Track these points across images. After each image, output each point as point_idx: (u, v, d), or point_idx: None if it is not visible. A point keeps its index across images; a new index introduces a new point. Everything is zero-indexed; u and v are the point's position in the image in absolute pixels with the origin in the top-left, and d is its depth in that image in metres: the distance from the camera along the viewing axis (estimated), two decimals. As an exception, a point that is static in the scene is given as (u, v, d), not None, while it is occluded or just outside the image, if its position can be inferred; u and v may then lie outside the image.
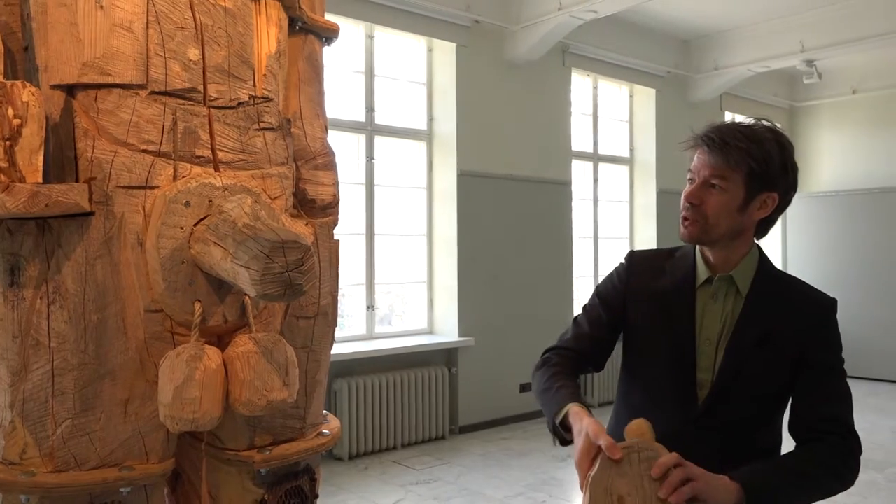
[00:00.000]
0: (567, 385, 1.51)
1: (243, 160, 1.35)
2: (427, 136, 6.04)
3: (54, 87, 1.24)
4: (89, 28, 1.24)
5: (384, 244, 5.72)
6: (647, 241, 7.44)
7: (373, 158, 5.70)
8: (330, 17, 1.72)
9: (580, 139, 7.12)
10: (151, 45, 1.26)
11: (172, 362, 1.19)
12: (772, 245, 9.29)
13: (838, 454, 1.44)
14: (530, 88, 6.36)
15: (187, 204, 1.25)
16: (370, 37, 5.69)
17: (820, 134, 9.21)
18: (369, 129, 5.68)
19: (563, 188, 6.63)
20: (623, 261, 1.72)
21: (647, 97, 7.65)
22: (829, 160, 9.15)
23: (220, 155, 1.32)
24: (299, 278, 1.11)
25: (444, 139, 5.98)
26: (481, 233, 5.96)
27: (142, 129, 1.25)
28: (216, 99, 1.32)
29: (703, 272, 1.59)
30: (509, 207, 6.13)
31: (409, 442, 5.51)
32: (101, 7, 1.24)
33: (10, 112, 1.14)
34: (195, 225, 1.25)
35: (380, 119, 5.75)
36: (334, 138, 1.71)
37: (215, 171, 1.31)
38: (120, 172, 1.23)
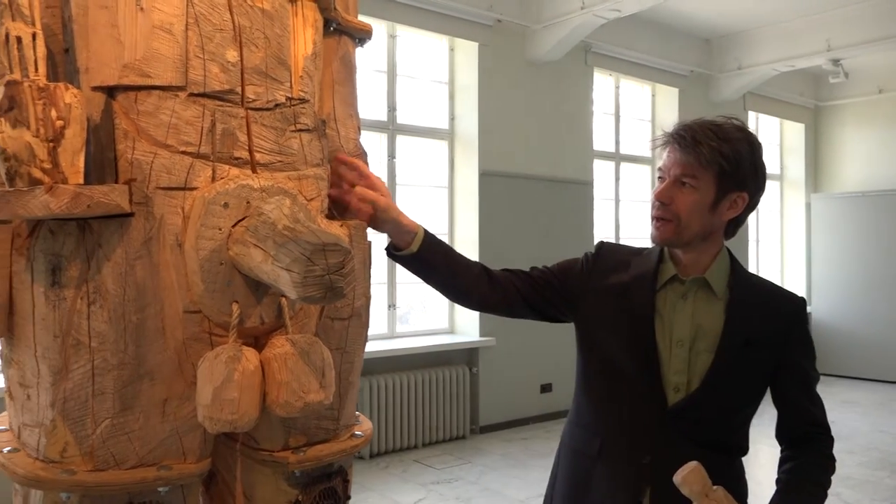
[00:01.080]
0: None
1: (280, 161, 1.35)
2: (449, 135, 6.04)
3: (95, 88, 1.25)
4: (130, 30, 1.24)
5: (406, 243, 5.72)
6: (669, 241, 7.39)
7: (394, 157, 5.71)
8: (356, 17, 1.71)
9: (602, 139, 7.09)
10: (191, 47, 1.26)
11: (211, 363, 1.20)
12: (795, 246, 9.19)
13: (831, 455, 1.58)
14: (552, 88, 6.34)
15: (226, 205, 1.25)
16: (392, 36, 5.70)
17: (845, 134, 9.10)
18: (391, 128, 5.69)
19: (584, 188, 6.60)
20: (593, 249, 1.72)
21: (669, 97, 7.60)
22: (854, 160, 9.04)
23: (258, 156, 1.32)
24: (340, 281, 1.11)
25: (465, 138, 5.97)
26: (503, 232, 5.95)
27: (181, 130, 1.25)
28: (254, 100, 1.32)
29: (669, 270, 1.58)
30: (531, 207, 6.12)
31: (430, 441, 5.52)
32: (142, 9, 1.24)
33: (54, 114, 1.15)
34: (233, 226, 1.26)
35: (401, 118, 5.76)
36: (356, 137, 1.71)
37: (253, 172, 1.31)
38: (159, 174, 1.23)
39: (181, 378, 1.28)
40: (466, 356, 5.83)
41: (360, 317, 1.52)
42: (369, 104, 5.55)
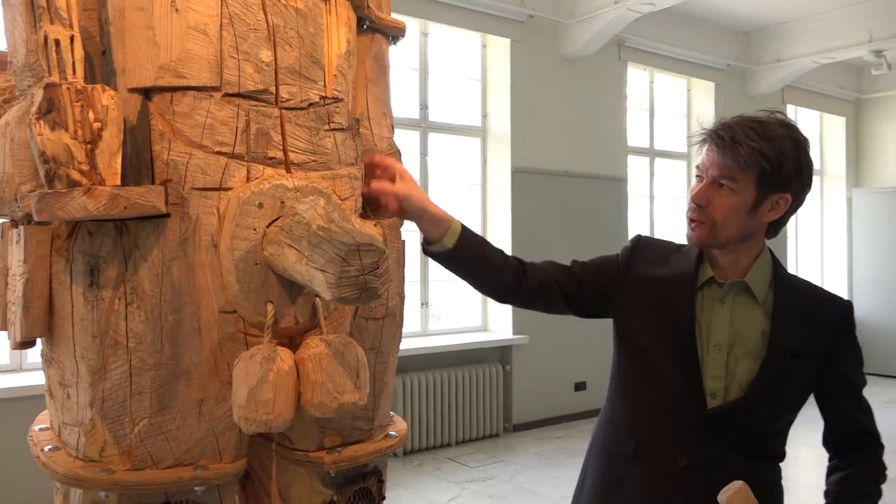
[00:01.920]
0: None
1: (314, 161, 1.35)
2: (481, 132, 6.01)
3: (131, 90, 1.26)
4: (165, 31, 1.25)
5: (438, 241, 5.70)
6: (706, 238, 7.28)
7: (427, 155, 5.70)
8: (389, 14, 1.70)
9: (636, 134, 7.00)
10: (225, 48, 1.26)
11: (246, 364, 1.20)
12: (836, 243, 8.98)
13: (881, 462, 1.54)
14: (585, 83, 6.27)
15: (260, 205, 1.25)
16: (424, 33, 5.69)
17: (888, 127, 8.87)
18: (423, 126, 5.68)
19: (618, 184, 6.53)
20: (629, 243, 1.68)
21: (706, 91, 7.48)
22: (897, 154, 8.79)
23: (292, 156, 1.32)
24: (375, 281, 1.10)
25: (498, 135, 5.94)
26: (536, 230, 5.90)
27: (216, 130, 1.25)
28: (288, 100, 1.32)
29: (706, 272, 1.53)
30: (564, 204, 6.07)
31: (463, 439, 5.50)
32: (177, 10, 1.24)
33: (91, 116, 1.16)
34: (268, 226, 1.26)
35: (434, 116, 5.75)
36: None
37: (287, 172, 1.31)
38: (195, 174, 1.24)
39: (217, 378, 1.28)
40: (500, 354, 5.80)
41: (394, 316, 1.52)
42: (401, 102, 5.55)
